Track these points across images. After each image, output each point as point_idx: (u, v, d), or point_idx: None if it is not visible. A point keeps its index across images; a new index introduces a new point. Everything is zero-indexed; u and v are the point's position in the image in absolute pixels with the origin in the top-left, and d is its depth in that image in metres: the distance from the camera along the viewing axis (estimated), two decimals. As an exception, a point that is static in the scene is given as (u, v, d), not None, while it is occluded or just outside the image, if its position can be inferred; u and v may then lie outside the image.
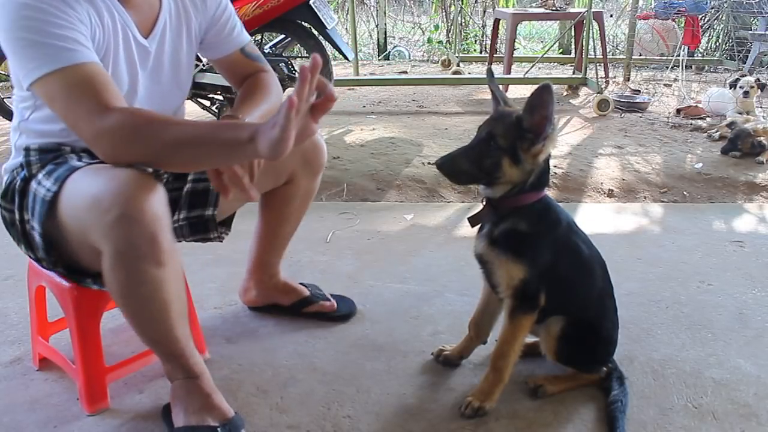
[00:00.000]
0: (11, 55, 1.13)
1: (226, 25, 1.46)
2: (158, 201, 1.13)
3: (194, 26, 1.40)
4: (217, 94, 3.58)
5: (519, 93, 5.37)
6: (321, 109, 1.05)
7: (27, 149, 1.31)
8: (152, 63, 1.33)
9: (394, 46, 8.40)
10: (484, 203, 1.36)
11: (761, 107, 4.35)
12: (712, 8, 6.74)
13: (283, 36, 3.82)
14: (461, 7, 7.61)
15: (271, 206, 1.68)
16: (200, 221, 1.49)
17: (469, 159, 1.29)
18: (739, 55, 6.10)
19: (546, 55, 6.69)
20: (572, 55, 5.87)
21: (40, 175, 1.25)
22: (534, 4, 6.49)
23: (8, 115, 3.95)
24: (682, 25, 6.61)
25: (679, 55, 5.88)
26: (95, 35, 1.19)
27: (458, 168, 1.31)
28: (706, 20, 6.97)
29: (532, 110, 1.23)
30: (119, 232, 1.09)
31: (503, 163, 1.27)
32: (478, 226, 1.40)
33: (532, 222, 1.33)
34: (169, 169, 1.40)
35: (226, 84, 3.57)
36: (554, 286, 1.36)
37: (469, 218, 1.39)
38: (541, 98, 1.21)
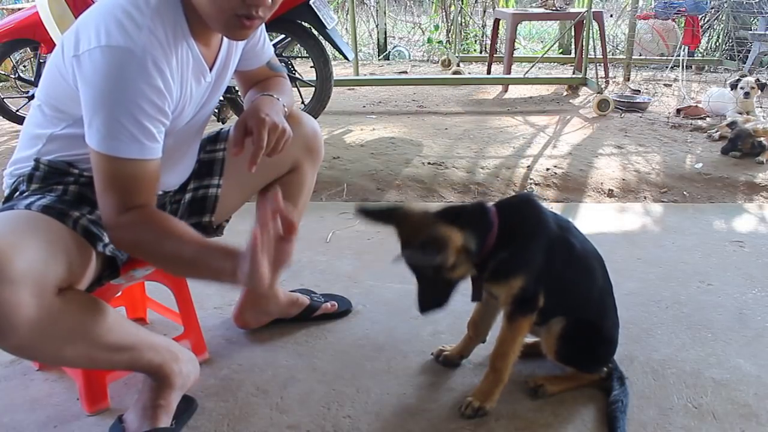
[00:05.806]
0: (87, 102, 1.10)
1: (260, 40, 1.48)
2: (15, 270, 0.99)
3: (238, 51, 1.42)
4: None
5: (519, 93, 5.38)
6: (287, 238, 1.05)
7: (37, 161, 1.26)
8: (209, 94, 1.37)
9: (394, 46, 8.40)
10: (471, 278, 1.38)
11: (761, 107, 4.35)
12: (712, 8, 6.74)
13: (283, 36, 3.83)
14: (461, 7, 7.61)
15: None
16: (198, 226, 1.50)
17: (430, 290, 1.32)
18: (739, 55, 6.10)
19: (546, 55, 6.70)
20: (572, 55, 5.87)
21: (20, 197, 1.24)
22: (534, 4, 6.50)
23: (8, 115, 3.95)
24: (682, 25, 6.62)
25: (679, 55, 5.88)
26: (174, 95, 1.19)
27: (433, 301, 1.33)
28: (706, 20, 6.98)
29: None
30: None
31: (443, 269, 1.27)
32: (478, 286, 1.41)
33: (512, 245, 1.33)
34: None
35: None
36: (552, 286, 1.36)
37: (471, 300, 1.41)
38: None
